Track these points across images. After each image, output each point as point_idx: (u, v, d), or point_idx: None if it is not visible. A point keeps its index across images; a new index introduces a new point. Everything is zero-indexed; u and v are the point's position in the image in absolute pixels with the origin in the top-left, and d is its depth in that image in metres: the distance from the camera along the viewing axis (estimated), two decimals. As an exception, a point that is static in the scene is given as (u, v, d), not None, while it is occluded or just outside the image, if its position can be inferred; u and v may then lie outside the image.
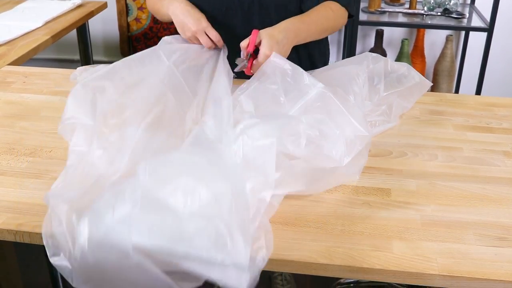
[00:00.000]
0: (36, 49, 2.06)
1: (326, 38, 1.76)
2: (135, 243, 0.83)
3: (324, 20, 1.53)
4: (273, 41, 1.38)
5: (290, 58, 1.36)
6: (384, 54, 2.92)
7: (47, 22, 2.32)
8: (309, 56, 1.67)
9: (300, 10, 1.56)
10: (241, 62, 1.40)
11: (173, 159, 0.98)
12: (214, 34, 1.46)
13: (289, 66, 1.28)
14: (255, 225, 0.94)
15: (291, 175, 1.06)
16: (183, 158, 0.99)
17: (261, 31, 1.41)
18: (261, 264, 0.89)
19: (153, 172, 0.91)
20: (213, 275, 0.84)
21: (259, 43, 1.38)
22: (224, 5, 1.56)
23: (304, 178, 1.08)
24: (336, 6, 1.55)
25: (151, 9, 1.67)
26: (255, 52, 1.38)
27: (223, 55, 1.47)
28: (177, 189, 0.89)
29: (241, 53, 1.41)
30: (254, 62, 1.38)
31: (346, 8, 1.58)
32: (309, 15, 1.51)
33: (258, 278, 0.87)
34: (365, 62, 1.41)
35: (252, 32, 1.40)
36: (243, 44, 1.41)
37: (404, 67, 1.47)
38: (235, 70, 1.41)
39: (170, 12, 1.50)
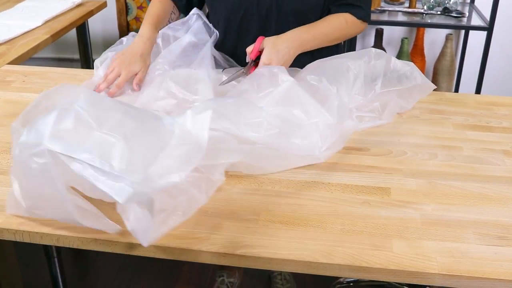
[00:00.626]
0: (35, 48, 2.06)
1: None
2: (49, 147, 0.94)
3: (335, 30, 1.53)
4: (273, 50, 1.39)
5: (305, 57, 1.36)
6: (384, 53, 2.92)
7: (46, 21, 2.32)
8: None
9: (317, 17, 1.55)
10: (240, 70, 1.42)
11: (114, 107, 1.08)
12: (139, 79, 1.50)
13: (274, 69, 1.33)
14: (171, 179, 0.97)
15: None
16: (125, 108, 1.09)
17: (266, 39, 1.42)
18: (162, 215, 0.97)
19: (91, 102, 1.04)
20: (100, 183, 0.92)
21: (263, 50, 1.39)
22: (241, 9, 1.54)
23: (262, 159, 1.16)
24: (351, 17, 1.54)
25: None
26: (259, 58, 1.39)
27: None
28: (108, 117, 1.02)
29: (246, 57, 1.43)
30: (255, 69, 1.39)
31: (363, 20, 1.57)
32: (319, 25, 1.51)
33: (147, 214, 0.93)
34: (365, 58, 1.41)
35: (257, 39, 1.42)
36: (248, 49, 1.42)
37: (408, 67, 1.47)
38: (224, 82, 1.42)
39: (138, 34, 1.55)
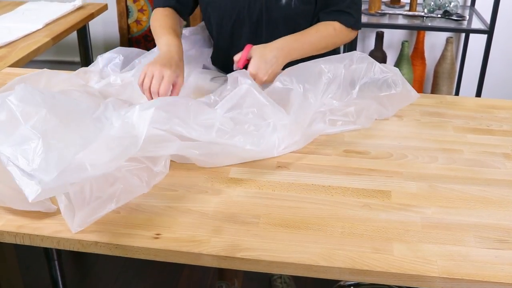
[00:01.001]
0: (36, 51, 2.06)
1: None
2: None
3: (323, 39, 1.52)
4: (261, 60, 1.39)
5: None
6: (384, 56, 2.92)
7: (47, 24, 2.32)
8: None
9: (308, 23, 1.55)
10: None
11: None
12: (166, 82, 1.33)
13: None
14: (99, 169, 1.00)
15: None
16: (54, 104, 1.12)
17: (254, 47, 1.42)
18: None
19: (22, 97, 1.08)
20: (18, 179, 0.97)
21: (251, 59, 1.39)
22: (233, 15, 1.55)
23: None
24: (340, 25, 1.53)
25: (152, 30, 1.60)
26: (247, 67, 1.39)
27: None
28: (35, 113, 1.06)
29: (234, 65, 1.42)
30: None
31: (352, 28, 1.55)
32: (307, 34, 1.50)
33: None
34: (346, 61, 1.40)
35: (245, 47, 1.42)
36: (236, 58, 1.42)
37: (391, 73, 1.44)
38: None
39: (163, 44, 1.45)
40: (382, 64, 1.45)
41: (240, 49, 1.45)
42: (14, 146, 1.01)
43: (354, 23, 1.55)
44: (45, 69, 1.24)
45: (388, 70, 1.44)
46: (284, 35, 1.48)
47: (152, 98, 1.32)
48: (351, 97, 1.40)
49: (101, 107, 1.19)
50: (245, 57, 1.41)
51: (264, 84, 1.39)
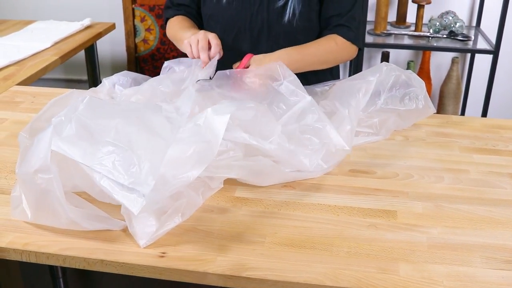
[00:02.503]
0: (44, 70, 2.08)
1: (337, 66, 1.77)
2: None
3: (324, 53, 1.53)
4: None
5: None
6: (390, 76, 2.93)
7: (55, 43, 2.35)
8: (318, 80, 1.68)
9: (308, 39, 1.57)
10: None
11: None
12: (215, 43, 1.43)
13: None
14: (174, 184, 1.00)
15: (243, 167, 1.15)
16: (124, 112, 1.13)
17: (254, 56, 1.44)
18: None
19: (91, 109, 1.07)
20: (116, 193, 0.99)
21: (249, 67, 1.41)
22: (234, 29, 1.58)
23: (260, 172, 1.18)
24: (341, 39, 1.54)
25: (171, 38, 1.67)
26: None
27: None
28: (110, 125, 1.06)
29: None
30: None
31: (352, 42, 1.57)
32: (309, 47, 1.52)
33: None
34: (377, 74, 1.41)
35: (245, 56, 1.43)
36: (235, 65, 1.44)
37: (416, 87, 1.45)
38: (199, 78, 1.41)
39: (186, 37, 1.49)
40: (409, 72, 1.46)
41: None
42: (102, 160, 1.01)
43: (353, 37, 1.56)
44: (73, 90, 1.24)
45: (414, 83, 1.45)
46: None
47: (204, 59, 1.41)
48: (375, 107, 1.42)
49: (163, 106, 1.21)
50: (244, 65, 1.43)
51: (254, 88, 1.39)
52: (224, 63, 1.61)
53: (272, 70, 1.36)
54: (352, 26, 1.56)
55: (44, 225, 1.06)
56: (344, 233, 1.06)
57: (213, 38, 1.43)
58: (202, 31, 1.45)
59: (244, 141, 1.12)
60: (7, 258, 1.03)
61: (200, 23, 1.70)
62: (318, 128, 1.26)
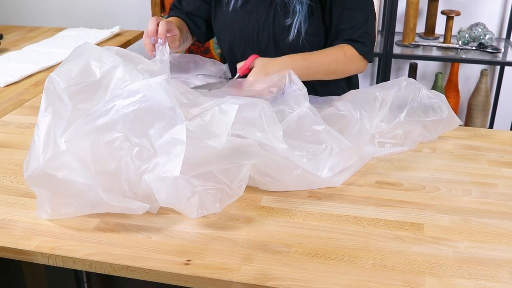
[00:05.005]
0: (74, 76, 2.10)
1: (356, 79, 1.77)
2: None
3: (332, 62, 1.52)
4: (262, 71, 1.42)
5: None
6: (417, 87, 2.91)
7: (85, 50, 2.37)
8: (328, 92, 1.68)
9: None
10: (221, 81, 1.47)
11: None
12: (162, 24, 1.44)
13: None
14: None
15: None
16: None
17: (258, 58, 1.45)
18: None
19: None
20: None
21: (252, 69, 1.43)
22: (243, 42, 1.61)
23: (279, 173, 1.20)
24: (351, 50, 1.53)
25: None
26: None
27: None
28: None
29: (237, 74, 1.47)
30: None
31: (364, 57, 1.56)
32: (315, 55, 1.51)
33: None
34: (396, 87, 1.42)
35: (250, 57, 1.45)
36: (239, 65, 1.46)
37: (436, 99, 1.46)
38: (200, 86, 1.45)
39: None
40: (428, 90, 1.46)
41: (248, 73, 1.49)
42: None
43: (367, 52, 1.55)
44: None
45: (434, 96, 1.46)
46: None
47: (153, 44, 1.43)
48: (399, 120, 1.42)
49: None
50: (248, 65, 1.43)
51: (259, 96, 1.39)
52: (234, 74, 1.63)
53: (280, 77, 1.37)
54: (366, 41, 1.55)
55: (72, 229, 1.07)
56: (369, 245, 1.05)
57: (162, 22, 1.44)
58: (153, 17, 1.46)
59: (255, 138, 1.15)
60: (34, 262, 1.05)
61: (203, 36, 1.72)
62: (318, 131, 1.27)
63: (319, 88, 1.63)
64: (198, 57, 1.66)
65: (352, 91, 1.46)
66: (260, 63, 1.44)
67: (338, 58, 1.52)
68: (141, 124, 1.05)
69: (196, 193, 1.09)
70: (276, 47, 1.58)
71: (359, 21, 1.54)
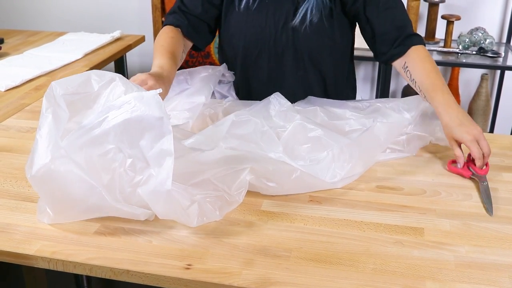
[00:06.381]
0: (75, 80, 2.11)
1: (354, 81, 1.77)
2: None
3: (433, 65, 1.48)
4: (463, 130, 1.34)
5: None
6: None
7: (86, 54, 2.38)
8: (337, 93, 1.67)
9: (332, 58, 1.57)
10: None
11: None
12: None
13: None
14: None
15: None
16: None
17: (454, 136, 1.35)
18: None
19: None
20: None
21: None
22: (258, 46, 1.58)
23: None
24: (423, 48, 1.50)
25: (154, 42, 1.65)
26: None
27: None
28: None
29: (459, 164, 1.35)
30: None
31: (424, 45, 1.53)
32: (437, 74, 1.45)
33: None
34: (413, 112, 1.44)
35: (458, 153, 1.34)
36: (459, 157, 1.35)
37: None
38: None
39: (154, 65, 1.48)
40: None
41: (263, 79, 1.49)
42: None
43: (422, 40, 1.54)
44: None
45: None
46: (308, 66, 1.50)
47: None
48: (405, 130, 1.44)
49: None
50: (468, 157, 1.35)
51: None
52: (246, 81, 1.63)
53: None
54: (416, 34, 1.53)
55: (73, 233, 1.07)
56: (370, 250, 1.05)
57: (149, 85, 1.33)
58: (145, 75, 1.36)
59: (251, 149, 1.17)
60: (35, 266, 1.05)
61: (205, 42, 1.68)
62: (317, 137, 1.28)
63: (332, 95, 1.62)
64: (189, 70, 1.63)
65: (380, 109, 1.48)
66: (460, 134, 1.34)
67: (429, 59, 1.49)
68: (132, 135, 1.05)
69: (195, 202, 1.09)
70: (294, 50, 1.55)
71: (401, 18, 1.53)
